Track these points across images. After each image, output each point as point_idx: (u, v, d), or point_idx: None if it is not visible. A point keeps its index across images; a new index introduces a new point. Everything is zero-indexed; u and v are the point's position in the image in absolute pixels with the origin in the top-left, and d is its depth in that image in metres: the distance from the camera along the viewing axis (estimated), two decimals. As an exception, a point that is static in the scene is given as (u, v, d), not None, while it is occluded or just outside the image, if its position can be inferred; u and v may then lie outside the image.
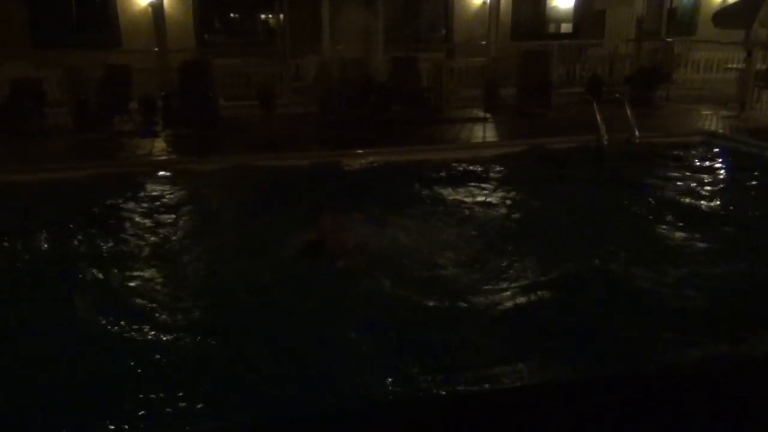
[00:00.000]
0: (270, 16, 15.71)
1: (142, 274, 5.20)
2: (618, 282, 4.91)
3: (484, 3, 15.71)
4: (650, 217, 6.52)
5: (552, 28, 17.22)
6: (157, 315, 4.49)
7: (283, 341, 4.10)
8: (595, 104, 9.22)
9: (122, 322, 4.34)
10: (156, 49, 13.29)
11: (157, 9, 13.40)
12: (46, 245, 5.80)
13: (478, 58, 14.02)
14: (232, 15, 16.05)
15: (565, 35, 16.74)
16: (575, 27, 16.97)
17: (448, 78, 12.56)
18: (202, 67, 11.22)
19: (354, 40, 14.35)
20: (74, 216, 6.45)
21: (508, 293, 4.79)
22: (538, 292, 4.78)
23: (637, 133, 8.94)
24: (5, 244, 5.82)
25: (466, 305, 4.62)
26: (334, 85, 11.31)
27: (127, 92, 10.70)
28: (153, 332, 4.26)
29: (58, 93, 11.28)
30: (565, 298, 4.68)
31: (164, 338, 4.20)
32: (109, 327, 4.31)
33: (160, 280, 5.10)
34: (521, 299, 4.70)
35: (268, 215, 6.42)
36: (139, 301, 4.70)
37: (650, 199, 7.05)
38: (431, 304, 4.61)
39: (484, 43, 14.62)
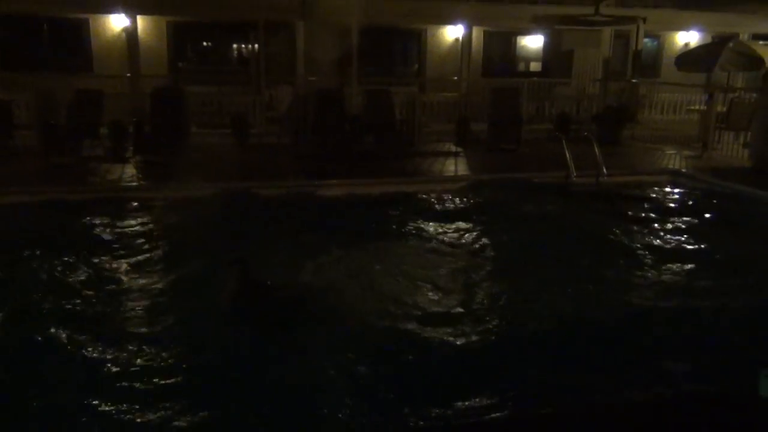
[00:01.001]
0: (244, 45, 15.81)
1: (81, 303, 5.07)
2: (571, 318, 4.96)
3: (457, 40, 16.07)
4: (617, 251, 6.64)
5: (522, 66, 17.66)
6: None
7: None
8: (564, 141, 9.42)
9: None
10: (128, 74, 13.25)
11: (131, 35, 13.41)
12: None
13: (450, 93, 14.26)
14: (206, 43, 16.12)
15: (535, 73, 17.16)
16: (544, 66, 17.43)
17: (420, 112, 12.72)
18: (175, 93, 11.18)
19: (328, 72, 14.50)
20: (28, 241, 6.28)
21: (466, 323, 4.84)
22: (495, 323, 4.84)
23: (605, 170, 9.13)
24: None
25: (428, 335, 4.63)
26: (308, 115, 11.37)
27: (97, 117, 10.58)
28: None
29: (26, 116, 11.11)
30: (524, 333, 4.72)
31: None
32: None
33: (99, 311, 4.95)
34: (481, 328, 4.74)
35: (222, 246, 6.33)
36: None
37: (617, 234, 7.18)
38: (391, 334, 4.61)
39: (456, 78, 14.91)
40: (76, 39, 14.33)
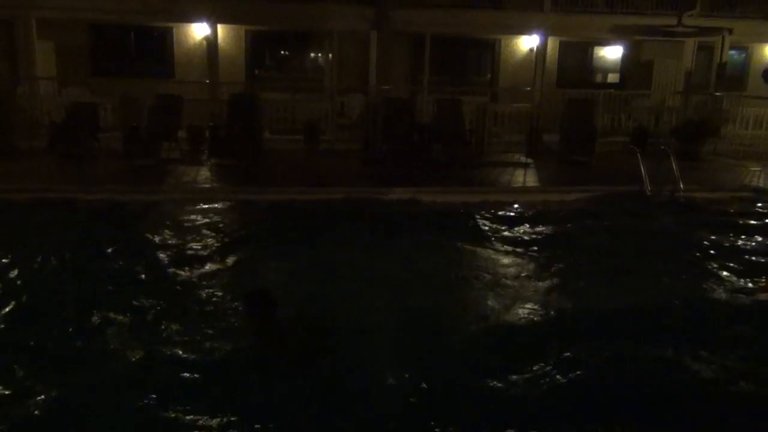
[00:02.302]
0: (319, 54, 16.10)
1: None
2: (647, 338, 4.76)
3: (531, 50, 15.84)
4: (688, 271, 6.33)
5: (599, 77, 17.23)
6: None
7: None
8: (639, 155, 9.13)
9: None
10: (207, 81, 13.72)
11: (211, 43, 13.89)
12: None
13: (522, 104, 14.07)
14: (282, 51, 16.50)
15: (612, 85, 16.70)
16: (622, 77, 16.94)
17: (491, 122, 12.62)
18: (250, 100, 11.50)
19: (400, 81, 14.60)
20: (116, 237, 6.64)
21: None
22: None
23: (681, 185, 8.79)
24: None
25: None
26: (378, 123, 11.47)
27: (176, 121, 11.02)
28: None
29: (111, 119, 11.68)
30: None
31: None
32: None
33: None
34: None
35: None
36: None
37: (692, 252, 6.87)
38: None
39: (528, 89, 14.69)
40: (160, 47, 14.96)
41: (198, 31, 14.54)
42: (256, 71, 15.57)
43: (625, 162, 10.30)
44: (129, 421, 3.64)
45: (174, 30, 14.79)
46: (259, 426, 3.58)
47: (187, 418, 3.63)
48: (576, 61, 16.94)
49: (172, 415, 3.64)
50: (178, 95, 11.51)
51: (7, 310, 4.89)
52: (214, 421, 3.60)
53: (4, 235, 6.76)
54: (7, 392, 3.84)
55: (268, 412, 3.72)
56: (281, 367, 4.13)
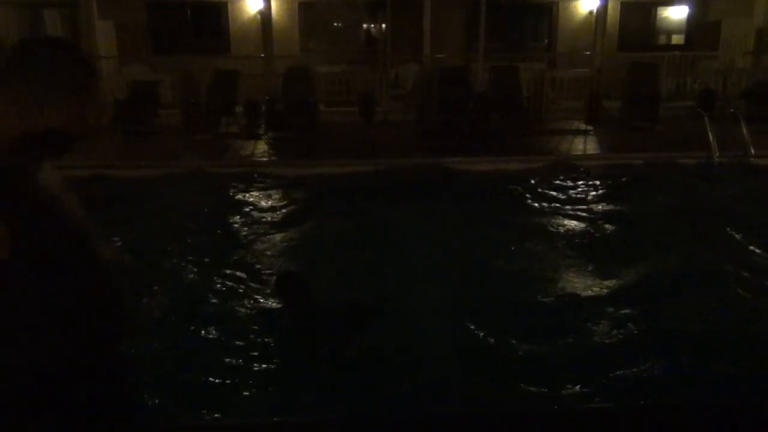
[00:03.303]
0: (372, 25, 15.98)
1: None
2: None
3: (591, 12, 15.31)
4: (759, 241, 6.05)
5: (662, 39, 16.53)
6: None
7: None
8: (706, 119, 8.75)
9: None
10: (262, 55, 13.82)
11: (266, 17, 13.94)
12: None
13: (581, 69, 13.66)
14: (335, 23, 16.44)
15: (676, 47, 16.01)
16: (687, 38, 16.21)
17: (549, 88, 12.31)
18: (305, 73, 11.54)
19: (455, 49, 14.37)
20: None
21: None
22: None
23: (752, 150, 8.39)
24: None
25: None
26: (432, 93, 11.34)
27: (233, 96, 11.17)
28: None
29: (171, 95, 11.93)
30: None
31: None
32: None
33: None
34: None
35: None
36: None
37: (763, 220, 6.57)
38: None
39: (588, 53, 14.23)
40: (215, 22, 15.15)
41: (252, 5, 14.63)
42: (310, 44, 15.59)
43: (691, 127, 9.90)
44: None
45: (228, 5, 14.93)
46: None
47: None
48: (638, 22, 16.28)
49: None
50: (235, 70, 11.65)
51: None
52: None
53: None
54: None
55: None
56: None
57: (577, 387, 3.66)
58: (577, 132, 10.89)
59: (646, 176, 8.26)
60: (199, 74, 11.57)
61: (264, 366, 3.88)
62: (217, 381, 3.72)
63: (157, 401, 3.39)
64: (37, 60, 1.59)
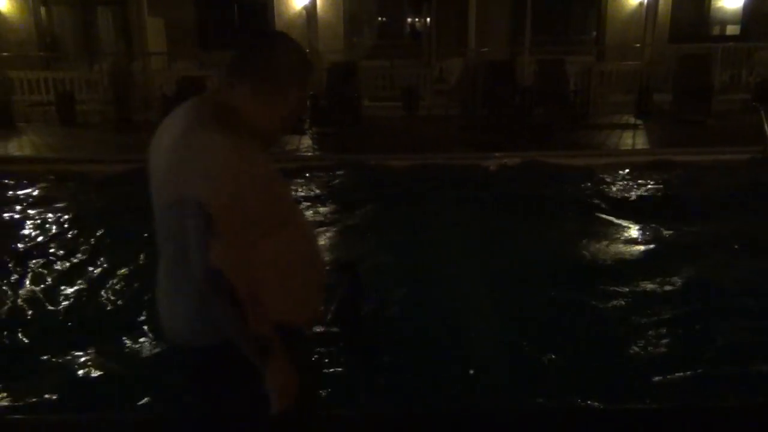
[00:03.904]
0: (417, 19, 15.91)
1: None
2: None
3: (641, 4, 14.91)
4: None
5: (716, 30, 16.00)
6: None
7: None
8: (762, 112, 8.46)
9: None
10: (307, 50, 13.88)
11: (310, 12, 14.02)
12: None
13: (631, 62, 13.33)
14: (380, 18, 16.42)
15: (731, 38, 15.47)
16: (743, 28, 15.64)
17: (597, 81, 12.05)
18: (349, 68, 11.57)
19: (500, 42, 14.19)
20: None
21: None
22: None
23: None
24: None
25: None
26: (477, 87, 11.24)
27: (278, 91, 11.25)
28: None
29: (217, 91, 12.10)
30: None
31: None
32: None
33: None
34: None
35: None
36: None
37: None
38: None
39: (638, 45, 13.88)
40: (261, 18, 15.28)
41: (297, 0, 14.71)
42: (355, 39, 15.62)
43: (746, 121, 9.59)
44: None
45: (274, 1, 15.05)
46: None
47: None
48: (691, 13, 15.78)
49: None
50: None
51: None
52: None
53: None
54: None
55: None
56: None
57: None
58: (627, 126, 10.64)
59: (699, 171, 8.03)
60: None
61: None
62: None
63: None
64: (277, 50, 1.72)
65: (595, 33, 15.81)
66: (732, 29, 15.92)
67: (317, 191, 7.67)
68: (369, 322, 4.27)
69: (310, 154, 9.43)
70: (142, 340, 4.16)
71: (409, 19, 16.26)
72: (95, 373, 3.81)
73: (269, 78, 1.70)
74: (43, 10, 14.59)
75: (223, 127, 1.60)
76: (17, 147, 9.99)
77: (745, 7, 15.56)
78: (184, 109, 1.70)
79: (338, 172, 8.37)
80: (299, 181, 8.03)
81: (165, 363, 3.80)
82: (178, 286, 1.65)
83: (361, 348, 4.08)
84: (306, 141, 10.21)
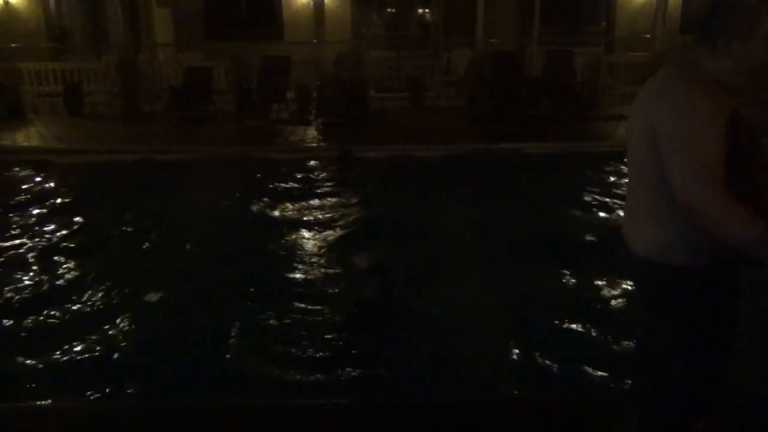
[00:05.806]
0: (425, 10, 15.84)
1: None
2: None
3: (652, -7, 14.75)
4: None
5: (729, 19, 15.80)
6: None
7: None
8: (773, 103, 8.33)
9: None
10: (315, 41, 13.87)
11: (318, 2, 13.98)
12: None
13: (640, 53, 13.20)
14: (388, 9, 16.38)
15: (745, 28, 15.27)
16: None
17: (605, 73, 11.94)
18: (356, 58, 11.53)
19: (508, 33, 14.10)
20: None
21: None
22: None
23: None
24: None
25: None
26: (484, 78, 11.17)
27: (285, 82, 11.25)
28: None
29: (224, 81, 12.11)
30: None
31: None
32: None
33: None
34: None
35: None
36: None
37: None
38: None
39: (648, 36, 13.74)
40: (269, 9, 15.27)
41: (305, -9, 14.69)
42: (363, 29, 15.57)
43: (758, 112, 9.46)
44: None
45: (282, -9, 15.03)
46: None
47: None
48: (702, 2, 15.57)
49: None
50: (286, 56, 11.71)
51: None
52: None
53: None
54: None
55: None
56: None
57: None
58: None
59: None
60: (251, 60, 11.68)
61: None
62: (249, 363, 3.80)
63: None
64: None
65: (604, 24, 15.67)
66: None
67: (319, 181, 7.68)
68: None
69: (314, 144, 9.42)
70: (142, 331, 4.19)
71: (418, 10, 16.19)
72: (91, 360, 3.83)
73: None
74: (52, 1, 14.65)
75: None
76: (25, 137, 10.04)
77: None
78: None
79: (340, 163, 8.35)
80: (302, 171, 8.05)
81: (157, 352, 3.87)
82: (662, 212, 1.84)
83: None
84: (311, 132, 10.19)
